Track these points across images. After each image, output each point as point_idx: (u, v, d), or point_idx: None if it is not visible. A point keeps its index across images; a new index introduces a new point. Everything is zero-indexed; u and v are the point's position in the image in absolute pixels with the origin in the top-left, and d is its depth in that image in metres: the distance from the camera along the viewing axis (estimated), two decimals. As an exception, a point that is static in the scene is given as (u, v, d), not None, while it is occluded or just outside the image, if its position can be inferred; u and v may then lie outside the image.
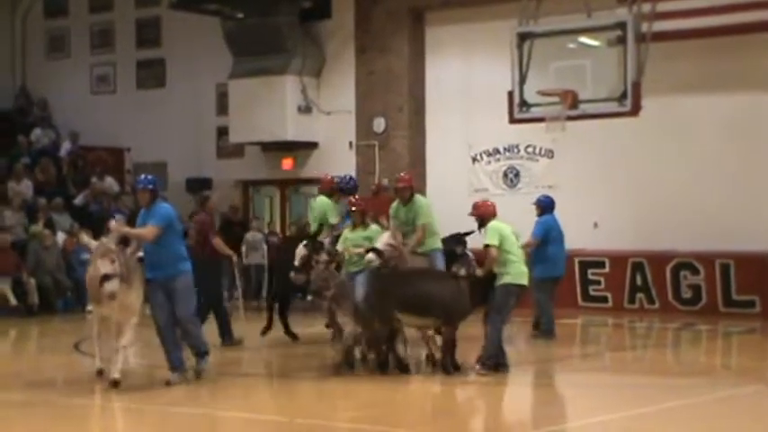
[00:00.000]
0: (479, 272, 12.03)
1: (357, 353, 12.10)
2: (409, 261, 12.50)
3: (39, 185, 22.61)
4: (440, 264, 12.93)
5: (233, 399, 10.91)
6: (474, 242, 14.07)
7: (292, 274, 12.43)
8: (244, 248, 22.36)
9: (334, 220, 14.14)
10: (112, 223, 11.39)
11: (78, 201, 22.78)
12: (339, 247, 12.53)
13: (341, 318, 12.12)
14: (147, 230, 11.00)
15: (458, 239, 14.49)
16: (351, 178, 14.85)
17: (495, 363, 11.83)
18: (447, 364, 11.71)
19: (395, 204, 13.13)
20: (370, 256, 11.87)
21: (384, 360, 11.68)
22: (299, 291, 14.95)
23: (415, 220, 12.87)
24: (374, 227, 12.62)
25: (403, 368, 11.73)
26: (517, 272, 11.85)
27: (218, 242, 14.35)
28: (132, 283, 10.93)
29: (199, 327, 11.62)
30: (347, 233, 12.59)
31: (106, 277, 10.63)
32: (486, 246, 11.77)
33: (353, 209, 12.63)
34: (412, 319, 11.76)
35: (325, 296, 12.29)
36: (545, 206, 15.39)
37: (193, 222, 15.30)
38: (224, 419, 9.96)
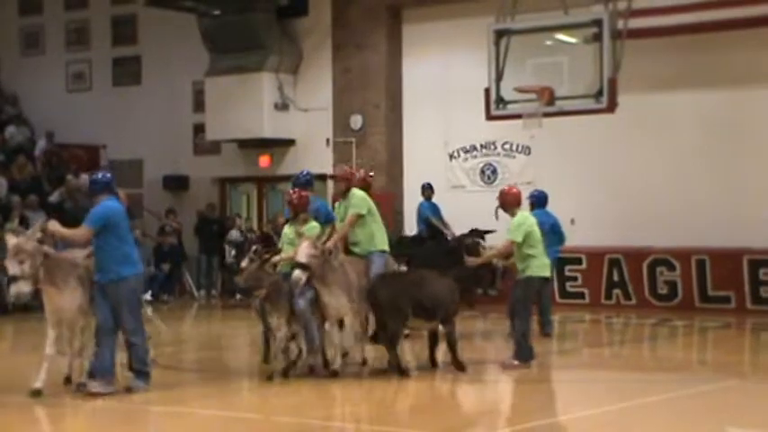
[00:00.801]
0: (472, 260, 12.20)
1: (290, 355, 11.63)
2: (339, 263, 11.57)
3: (14, 183, 22.48)
4: (378, 267, 11.98)
5: (210, 397, 10.86)
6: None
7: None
8: (227, 246, 22.32)
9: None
10: (51, 222, 10.62)
11: (53, 198, 22.66)
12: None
13: (275, 319, 11.56)
14: (78, 232, 10.47)
15: (477, 235, 14.58)
16: (306, 173, 13.71)
17: (530, 354, 12.08)
18: (459, 363, 11.73)
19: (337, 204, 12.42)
20: (297, 273, 11.15)
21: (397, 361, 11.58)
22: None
23: (348, 211, 12.05)
24: (313, 223, 11.79)
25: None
26: (539, 264, 12.02)
27: None
28: (63, 287, 10.39)
29: (143, 340, 10.62)
30: (286, 229, 11.93)
31: (13, 279, 10.14)
32: (511, 241, 11.92)
33: (288, 202, 11.87)
34: (420, 323, 11.84)
35: (255, 295, 11.72)
36: (535, 201, 15.08)
37: None
38: (201, 417, 9.92)
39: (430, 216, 17.79)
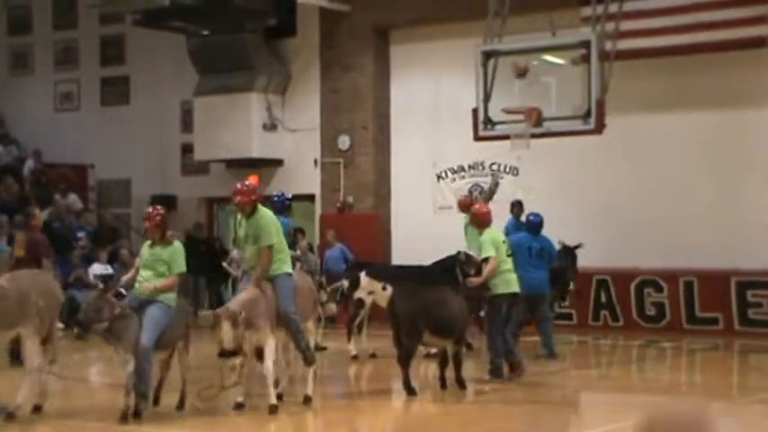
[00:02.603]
0: (474, 280, 12.28)
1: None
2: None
3: (1, 202, 22.41)
4: (287, 289, 10.89)
5: (200, 417, 10.78)
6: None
7: None
8: (227, 264, 22.18)
9: None
10: None
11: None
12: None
13: (121, 353, 10.15)
14: None
15: (569, 252, 15.37)
16: (282, 196, 13.58)
17: (501, 370, 12.46)
18: (462, 379, 11.94)
19: (238, 216, 11.15)
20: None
21: (407, 380, 11.56)
22: None
23: (259, 240, 10.80)
24: (176, 243, 10.63)
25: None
26: (505, 280, 12.37)
27: (47, 265, 13.52)
28: None
29: None
30: (143, 251, 10.70)
31: None
32: (485, 259, 12.26)
33: (146, 222, 10.65)
34: (435, 341, 11.96)
35: (95, 330, 10.17)
36: (528, 226, 15.25)
37: (23, 241, 14.11)
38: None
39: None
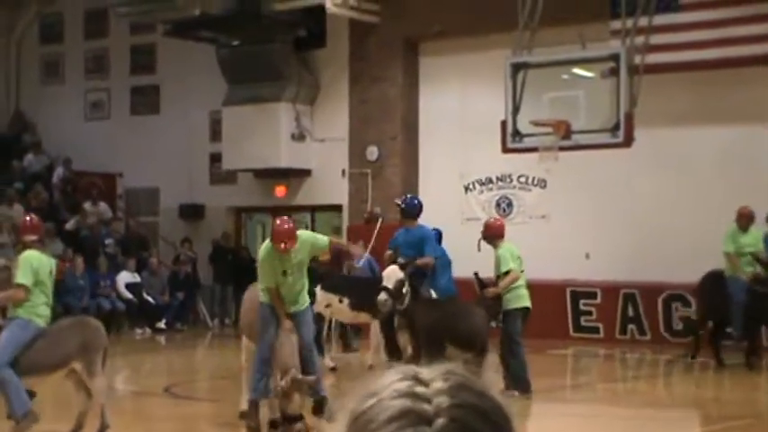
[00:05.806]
0: (492, 291, 12.31)
1: None
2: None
3: (31, 210, 22.58)
4: (310, 318, 10.54)
5: (225, 426, 10.80)
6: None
7: None
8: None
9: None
10: None
11: (70, 226, 22.75)
12: None
13: None
14: None
15: None
16: (415, 199, 13.49)
17: (528, 382, 12.28)
18: None
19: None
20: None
21: None
22: None
23: (303, 268, 10.26)
24: (24, 253, 9.44)
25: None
26: (519, 295, 12.38)
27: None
28: None
29: None
30: None
31: None
32: (506, 272, 12.25)
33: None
34: (458, 354, 11.85)
35: None
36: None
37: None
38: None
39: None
